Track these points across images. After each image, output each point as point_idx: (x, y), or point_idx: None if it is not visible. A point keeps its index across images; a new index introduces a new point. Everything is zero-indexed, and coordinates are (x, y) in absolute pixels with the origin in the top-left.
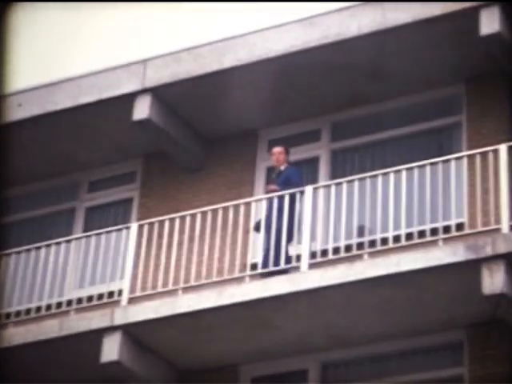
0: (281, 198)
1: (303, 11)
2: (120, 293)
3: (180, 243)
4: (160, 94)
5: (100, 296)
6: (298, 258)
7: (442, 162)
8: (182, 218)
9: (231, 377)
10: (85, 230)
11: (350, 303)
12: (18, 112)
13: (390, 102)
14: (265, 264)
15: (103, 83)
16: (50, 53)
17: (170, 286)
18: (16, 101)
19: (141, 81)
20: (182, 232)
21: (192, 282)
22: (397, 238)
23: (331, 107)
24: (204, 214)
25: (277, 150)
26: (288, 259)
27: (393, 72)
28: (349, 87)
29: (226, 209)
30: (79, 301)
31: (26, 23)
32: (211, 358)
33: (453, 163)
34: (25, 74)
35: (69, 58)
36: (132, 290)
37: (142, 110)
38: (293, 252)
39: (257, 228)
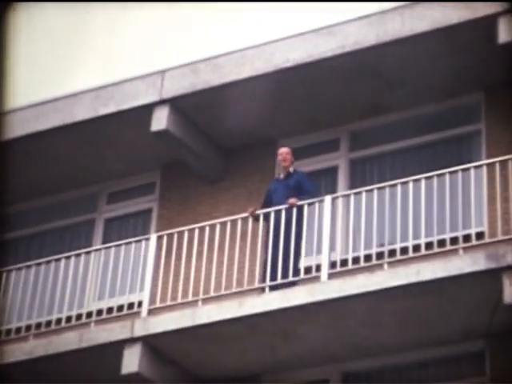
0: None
1: (320, 21)
2: (140, 304)
3: (199, 254)
4: (178, 104)
5: (120, 308)
6: (318, 268)
7: (462, 171)
8: (202, 229)
9: None
10: (104, 242)
11: (369, 313)
12: (37, 124)
13: (408, 110)
14: (275, 274)
15: (121, 94)
16: (66, 65)
17: (190, 297)
18: (35, 113)
19: (158, 92)
20: (201, 243)
21: (212, 293)
22: (416, 248)
23: (350, 116)
24: (223, 224)
25: (284, 150)
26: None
27: (411, 81)
28: (367, 96)
29: (245, 219)
30: (99, 312)
31: (32, 30)
32: (232, 368)
33: (472, 172)
34: (41, 85)
35: (86, 69)
36: (152, 301)
37: (159, 120)
38: (310, 262)
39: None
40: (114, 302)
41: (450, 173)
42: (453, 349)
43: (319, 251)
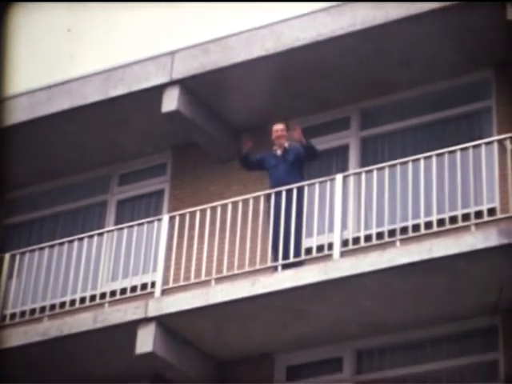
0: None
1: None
2: (153, 285)
3: (212, 234)
4: (188, 85)
5: (133, 288)
6: (330, 246)
7: (473, 147)
8: (213, 209)
9: (266, 365)
10: (117, 223)
11: (383, 290)
12: (47, 107)
13: (419, 88)
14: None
15: (131, 76)
16: (74, 47)
17: (203, 277)
18: (45, 96)
19: (168, 73)
20: (213, 222)
21: (225, 272)
22: (428, 225)
23: (360, 95)
24: (235, 204)
25: (279, 126)
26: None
27: (421, 59)
28: (378, 74)
29: (256, 199)
30: (113, 293)
31: (39, 20)
32: (246, 347)
33: (483, 148)
34: (51, 68)
35: (96, 51)
36: (165, 281)
37: (170, 102)
38: (321, 241)
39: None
40: (128, 283)
41: (462, 149)
42: (466, 325)
43: (331, 230)
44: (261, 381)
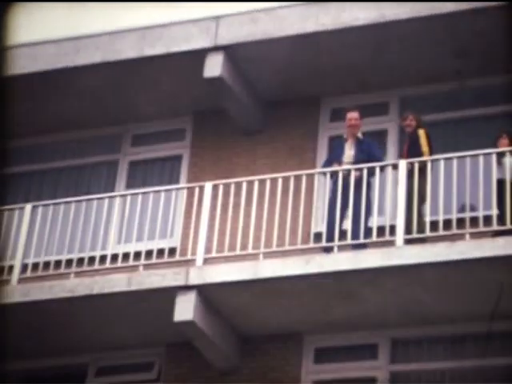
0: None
1: None
2: (193, 252)
3: (260, 206)
4: (232, 52)
5: (163, 252)
6: (392, 231)
7: None
8: (262, 182)
9: (295, 345)
10: (128, 184)
11: (441, 282)
12: (75, 58)
13: (465, 80)
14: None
15: (170, 37)
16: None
17: (250, 250)
18: (74, 47)
19: (213, 38)
20: (261, 197)
21: (274, 248)
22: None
23: (402, 81)
24: (286, 179)
25: (354, 114)
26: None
27: (476, 51)
28: (424, 63)
29: (309, 175)
30: (148, 254)
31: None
32: (278, 324)
33: None
34: (83, 20)
35: (131, 11)
36: (207, 250)
37: (213, 67)
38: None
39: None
40: (163, 245)
41: None
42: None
43: (390, 216)
44: (287, 360)
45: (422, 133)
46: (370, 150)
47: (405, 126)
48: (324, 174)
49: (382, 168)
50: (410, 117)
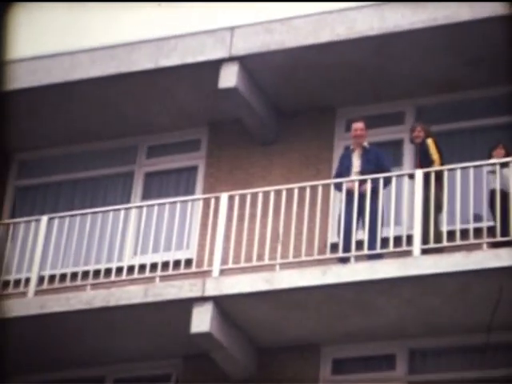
0: (375, 181)
1: None
2: (210, 263)
3: (276, 216)
4: (247, 63)
5: (187, 264)
6: (409, 241)
7: None
8: (278, 192)
9: (312, 356)
10: (144, 195)
11: (458, 292)
12: (91, 70)
13: (480, 90)
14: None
15: (185, 48)
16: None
17: (267, 261)
18: (90, 58)
19: (227, 48)
20: (277, 207)
21: (291, 258)
22: None
23: (418, 91)
24: (302, 189)
25: (359, 125)
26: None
27: (494, 60)
28: (440, 72)
29: (326, 186)
30: (165, 265)
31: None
32: (295, 336)
33: None
34: (97, 32)
35: (147, 19)
36: (224, 261)
37: (228, 78)
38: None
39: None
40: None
41: None
42: None
43: (409, 223)
44: (305, 372)
45: (430, 142)
46: (378, 159)
47: (414, 137)
48: (337, 187)
49: (397, 177)
50: (418, 128)
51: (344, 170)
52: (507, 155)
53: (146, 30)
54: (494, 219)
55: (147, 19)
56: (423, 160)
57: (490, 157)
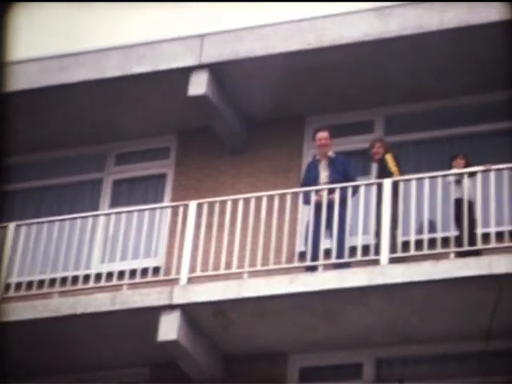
0: (343, 190)
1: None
2: (178, 271)
3: (244, 226)
4: (217, 70)
5: (144, 271)
6: (377, 250)
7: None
8: (247, 201)
9: (279, 365)
10: (112, 203)
11: (427, 301)
12: (59, 77)
13: (452, 99)
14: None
15: (155, 55)
16: (99, 20)
17: (235, 269)
18: (58, 65)
19: (197, 56)
20: (246, 215)
21: (259, 267)
22: (486, 238)
23: (387, 99)
24: (271, 197)
25: (323, 134)
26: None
27: (463, 70)
28: (412, 81)
29: (293, 194)
30: (132, 273)
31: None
32: (262, 344)
33: None
34: (71, 38)
35: (117, 27)
36: (191, 269)
37: (198, 85)
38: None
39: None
40: (144, 264)
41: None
42: (497, 344)
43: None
44: (271, 380)
45: (389, 157)
46: (345, 169)
47: (373, 154)
48: (305, 200)
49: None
50: (377, 144)
51: (311, 180)
52: (467, 165)
53: (115, 36)
54: (461, 228)
55: (118, 25)
56: (382, 175)
57: (450, 167)
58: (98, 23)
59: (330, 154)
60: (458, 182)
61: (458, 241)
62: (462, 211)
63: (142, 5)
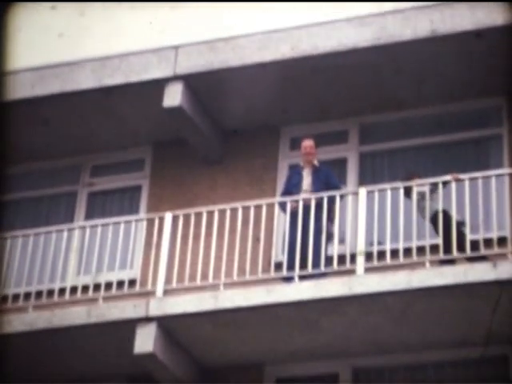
0: (322, 199)
1: (351, 10)
2: (154, 283)
3: (220, 236)
4: (191, 81)
5: (120, 284)
6: (352, 259)
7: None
8: (222, 212)
9: (256, 376)
10: (87, 215)
11: (402, 310)
12: (33, 89)
13: (426, 108)
14: (290, 265)
15: (129, 66)
16: (70, 31)
17: (211, 280)
18: (32, 77)
19: (172, 67)
20: (221, 226)
21: (235, 278)
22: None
23: (362, 109)
24: (247, 208)
25: (308, 143)
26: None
27: (434, 79)
28: (386, 91)
29: (270, 204)
30: (107, 286)
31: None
32: (239, 355)
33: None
34: (42, 50)
35: (90, 38)
36: (167, 281)
37: (173, 97)
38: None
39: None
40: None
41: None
42: (474, 352)
43: (352, 241)
44: None
45: None
46: (328, 179)
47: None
48: (282, 208)
49: (342, 196)
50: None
51: (293, 186)
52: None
53: (91, 48)
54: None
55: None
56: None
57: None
58: (76, 33)
59: (315, 162)
60: (422, 197)
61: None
62: (439, 222)
63: (116, 15)
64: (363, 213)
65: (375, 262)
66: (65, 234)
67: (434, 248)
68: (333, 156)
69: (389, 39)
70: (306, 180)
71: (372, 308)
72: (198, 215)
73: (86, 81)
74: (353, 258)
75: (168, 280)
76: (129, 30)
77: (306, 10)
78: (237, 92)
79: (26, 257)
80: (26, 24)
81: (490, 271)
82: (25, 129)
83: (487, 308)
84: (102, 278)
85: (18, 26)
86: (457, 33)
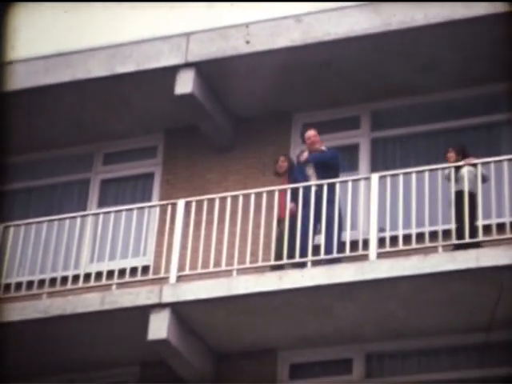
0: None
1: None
2: (167, 269)
3: (233, 222)
4: (203, 69)
5: (134, 270)
6: (365, 245)
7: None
8: (235, 198)
9: (269, 362)
10: (100, 203)
11: (415, 296)
12: (46, 77)
13: (435, 94)
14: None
15: (141, 54)
16: (82, 20)
17: (224, 267)
18: (45, 65)
19: (184, 54)
20: (234, 213)
21: (248, 264)
22: (473, 232)
23: (373, 95)
24: (259, 195)
25: (311, 133)
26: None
27: (446, 65)
28: (397, 77)
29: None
30: (121, 273)
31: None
32: (252, 341)
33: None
34: (55, 39)
35: (103, 26)
36: (180, 267)
37: (185, 84)
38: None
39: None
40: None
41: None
42: (487, 337)
43: (364, 226)
44: (262, 377)
45: None
46: (323, 159)
47: (277, 167)
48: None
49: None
50: (281, 158)
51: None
52: (461, 156)
53: (102, 36)
54: (459, 221)
55: (105, 25)
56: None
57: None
58: (85, 23)
59: (323, 148)
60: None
61: (457, 234)
62: (460, 203)
63: (128, 5)
64: (375, 198)
65: (388, 248)
66: (78, 222)
67: (447, 233)
68: (345, 142)
69: (400, 25)
70: (312, 178)
71: (385, 293)
72: (211, 202)
73: (97, 69)
74: (365, 243)
75: (181, 266)
76: (141, 19)
77: None
78: (248, 79)
79: (40, 244)
80: (27, 23)
81: (504, 256)
82: (36, 117)
83: (500, 293)
84: (116, 265)
85: (19, 25)
86: (468, 18)
